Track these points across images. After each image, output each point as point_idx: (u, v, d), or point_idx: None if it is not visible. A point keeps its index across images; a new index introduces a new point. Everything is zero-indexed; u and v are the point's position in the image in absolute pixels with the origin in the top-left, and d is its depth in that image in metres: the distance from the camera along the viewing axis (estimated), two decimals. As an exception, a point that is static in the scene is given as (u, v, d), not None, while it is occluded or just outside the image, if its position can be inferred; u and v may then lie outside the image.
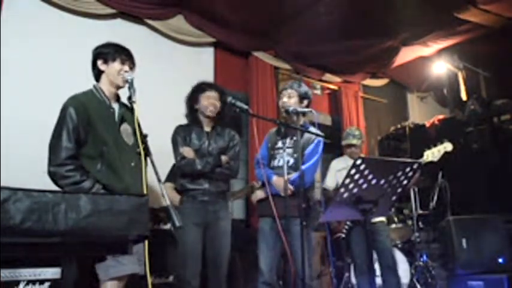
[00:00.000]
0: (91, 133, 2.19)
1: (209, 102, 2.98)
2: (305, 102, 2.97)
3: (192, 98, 3.04)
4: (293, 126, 2.81)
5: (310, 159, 2.87)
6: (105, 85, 2.33)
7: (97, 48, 2.36)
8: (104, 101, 2.30)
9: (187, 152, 2.90)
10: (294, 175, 2.79)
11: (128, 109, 2.35)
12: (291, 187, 2.73)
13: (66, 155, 2.11)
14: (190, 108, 3.05)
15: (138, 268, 2.10)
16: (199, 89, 3.04)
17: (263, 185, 2.87)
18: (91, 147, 2.18)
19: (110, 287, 2.04)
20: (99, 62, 2.33)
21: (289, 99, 2.92)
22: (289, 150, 2.89)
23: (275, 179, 2.83)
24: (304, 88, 3.02)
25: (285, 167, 2.70)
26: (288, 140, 2.92)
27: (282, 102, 2.95)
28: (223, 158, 2.95)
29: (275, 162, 2.94)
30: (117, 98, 2.39)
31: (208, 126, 3.04)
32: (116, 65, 2.30)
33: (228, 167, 2.96)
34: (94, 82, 2.37)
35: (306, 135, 2.88)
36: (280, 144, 2.95)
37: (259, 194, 2.99)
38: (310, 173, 2.86)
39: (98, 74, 2.35)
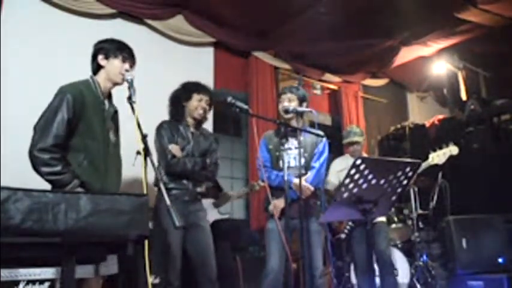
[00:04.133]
0: (82, 124, 2.17)
1: (200, 104, 2.99)
2: (304, 104, 3.02)
3: (184, 96, 3.02)
4: (295, 126, 2.84)
5: (320, 158, 2.98)
6: (102, 80, 2.32)
7: (100, 42, 2.36)
8: (99, 95, 2.29)
9: (176, 150, 2.87)
10: (310, 175, 2.90)
11: (114, 108, 2.38)
12: (311, 187, 2.85)
13: (54, 142, 2.08)
14: (178, 105, 3.02)
15: (117, 269, 2.10)
16: (193, 88, 3.03)
17: (275, 188, 2.81)
18: (78, 139, 2.17)
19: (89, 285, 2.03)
20: (100, 57, 2.31)
21: (290, 103, 2.96)
22: (299, 151, 2.93)
23: (296, 181, 2.80)
24: (302, 91, 3.09)
25: (285, 168, 2.68)
26: (294, 141, 2.93)
27: (282, 106, 2.97)
28: (208, 161, 2.98)
29: (284, 163, 2.92)
30: (109, 95, 2.39)
31: (193, 127, 3.05)
32: (117, 63, 2.30)
33: (212, 169, 3.02)
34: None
35: (313, 135, 2.96)
36: (286, 145, 2.95)
37: (278, 204, 2.82)
38: (323, 171, 3.00)
39: (96, 68, 2.34)
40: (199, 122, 3.05)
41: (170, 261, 2.74)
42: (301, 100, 3.00)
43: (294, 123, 2.93)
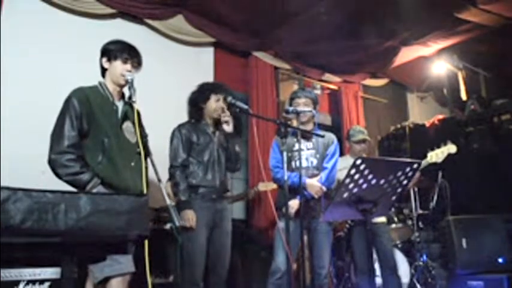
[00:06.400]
0: (93, 125, 2.20)
1: (218, 105, 2.99)
2: (317, 106, 3.11)
3: (201, 97, 3.02)
4: (294, 126, 2.84)
5: (332, 158, 3.03)
6: (109, 82, 2.35)
7: (104, 44, 2.38)
8: (108, 97, 2.31)
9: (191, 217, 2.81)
10: (323, 176, 2.96)
11: (132, 108, 2.36)
12: (323, 188, 2.90)
13: (69, 143, 2.11)
14: (197, 107, 3.03)
15: (133, 268, 2.10)
16: (210, 89, 3.04)
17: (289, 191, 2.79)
18: (93, 139, 2.19)
19: (114, 286, 2.03)
20: (103, 60, 2.35)
21: (305, 107, 2.99)
22: (311, 152, 3.02)
23: (309, 182, 2.90)
24: (314, 93, 3.16)
25: (284, 168, 2.66)
26: (306, 142, 3.02)
27: (294, 109, 2.95)
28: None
29: (297, 164, 2.95)
30: (122, 96, 2.40)
31: (213, 126, 3.06)
32: (117, 64, 2.31)
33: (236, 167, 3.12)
34: (94, 81, 2.38)
35: (325, 136, 3.05)
36: (298, 146, 2.95)
37: (294, 205, 2.87)
38: (335, 172, 3.04)
39: (102, 70, 2.38)
40: (218, 122, 3.03)
41: (197, 259, 2.76)
42: (315, 103, 3.08)
43: (308, 125, 3.01)
